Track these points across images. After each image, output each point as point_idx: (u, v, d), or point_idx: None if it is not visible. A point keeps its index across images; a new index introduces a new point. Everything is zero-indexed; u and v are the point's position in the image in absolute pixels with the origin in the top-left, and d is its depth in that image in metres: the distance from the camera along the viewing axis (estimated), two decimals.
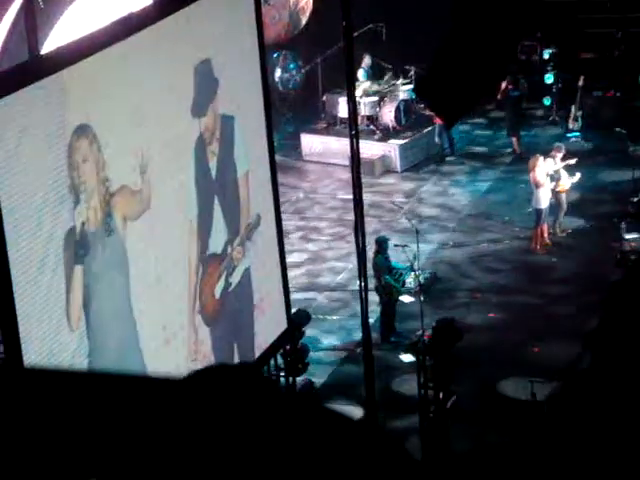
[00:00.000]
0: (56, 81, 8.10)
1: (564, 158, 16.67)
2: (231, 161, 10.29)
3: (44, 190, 7.94)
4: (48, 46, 11.89)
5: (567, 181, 16.54)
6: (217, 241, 10.19)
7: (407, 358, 13.17)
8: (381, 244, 14.48)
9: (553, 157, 16.51)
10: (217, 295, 10.27)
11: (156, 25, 9.09)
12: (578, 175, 16.57)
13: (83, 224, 8.35)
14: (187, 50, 9.59)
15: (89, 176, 8.41)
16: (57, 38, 12.64)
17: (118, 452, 1.62)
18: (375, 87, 20.32)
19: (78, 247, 8.30)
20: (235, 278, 10.53)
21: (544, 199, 16.24)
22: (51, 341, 8.10)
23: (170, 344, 9.58)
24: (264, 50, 11.04)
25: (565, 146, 17.51)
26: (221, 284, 10.30)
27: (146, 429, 1.63)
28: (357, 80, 19.95)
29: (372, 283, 13.12)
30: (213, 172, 10.06)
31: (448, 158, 19.86)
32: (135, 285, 9.02)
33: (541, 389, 11.94)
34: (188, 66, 9.63)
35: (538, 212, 16.30)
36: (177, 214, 9.61)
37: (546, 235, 16.43)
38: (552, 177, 16.37)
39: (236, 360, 10.66)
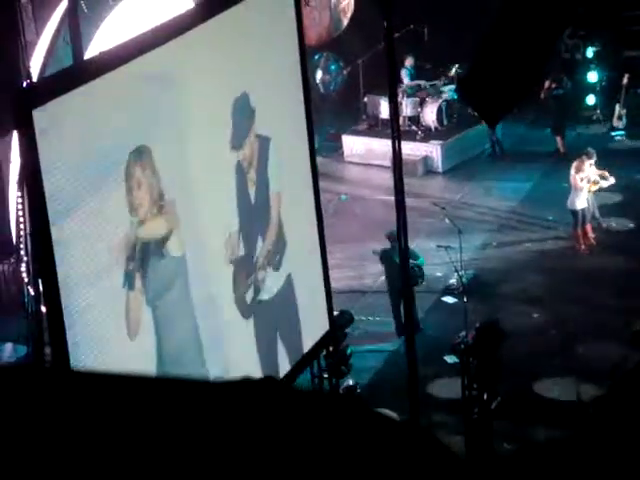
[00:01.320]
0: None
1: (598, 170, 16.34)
2: (265, 182, 10.39)
3: (105, 203, 8.18)
4: (91, 51, 11.99)
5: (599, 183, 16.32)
6: (257, 257, 10.30)
7: (451, 359, 13.13)
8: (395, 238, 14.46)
9: (583, 162, 16.24)
10: (248, 302, 10.33)
11: (199, 52, 9.16)
12: (612, 180, 16.35)
13: (143, 240, 8.60)
14: (226, 82, 9.64)
15: (144, 197, 8.61)
16: (100, 43, 12.75)
17: (144, 458, 1.63)
18: (417, 87, 20.28)
19: (139, 260, 8.57)
20: (274, 290, 10.59)
21: (580, 201, 16.08)
22: (110, 346, 8.33)
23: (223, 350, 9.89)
24: (305, 55, 11.04)
25: (610, 145, 17.36)
26: (259, 294, 10.38)
27: (165, 436, 1.64)
28: (400, 81, 19.94)
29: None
30: (252, 198, 10.17)
31: (494, 157, 19.75)
32: (193, 298, 9.34)
33: (586, 390, 11.84)
34: (227, 99, 9.69)
35: (574, 213, 16.16)
36: (218, 230, 9.78)
37: (591, 235, 16.28)
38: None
39: (281, 361, 10.73)
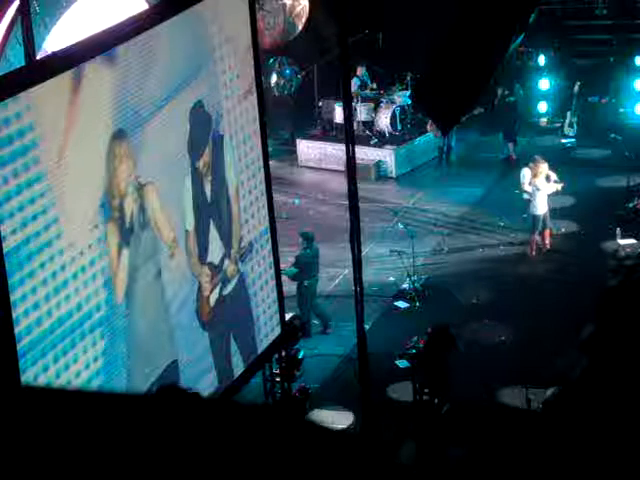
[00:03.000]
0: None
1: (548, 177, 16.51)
2: (223, 181, 10.47)
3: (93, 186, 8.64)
4: (45, 51, 11.88)
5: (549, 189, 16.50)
6: (214, 254, 10.40)
7: (402, 364, 13.18)
8: (308, 239, 14.56)
9: (538, 166, 16.43)
10: (212, 303, 10.42)
11: (151, 57, 9.19)
12: (560, 186, 16.51)
13: (129, 215, 9.18)
14: (182, 88, 9.68)
15: (124, 176, 9.12)
16: (54, 42, 12.64)
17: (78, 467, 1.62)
18: (370, 93, 20.34)
19: (127, 232, 9.15)
20: (229, 289, 10.66)
21: (541, 205, 16.27)
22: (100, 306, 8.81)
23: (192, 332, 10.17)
24: (259, 59, 11.04)
25: (560, 152, 17.53)
26: (215, 294, 10.45)
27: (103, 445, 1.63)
28: (359, 89, 20.02)
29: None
30: (208, 195, 10.25)
31: (446, 163, 19.88)
32: (163, 273, 9.75)
33: (536, 396, 11.94)
34: (184, 108, 9.75)
35: (535, 218, 16.33)
36: (178, 224, 9.97)
37: (546, 241, 16.45)
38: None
39: (234, 362, 10.77)
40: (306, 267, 14.33)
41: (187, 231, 10.06)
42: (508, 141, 19.90)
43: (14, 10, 12.03)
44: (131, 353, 9.26)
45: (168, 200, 9.78)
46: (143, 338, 9.45)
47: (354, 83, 20.37)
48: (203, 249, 10.27)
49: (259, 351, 11.24)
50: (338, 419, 12.15)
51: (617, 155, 19.39)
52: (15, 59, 11.80)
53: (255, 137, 11.00)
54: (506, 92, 19.88)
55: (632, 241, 15.84)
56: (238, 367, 10.87)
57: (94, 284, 8.79)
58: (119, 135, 8.97)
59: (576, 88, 20.54)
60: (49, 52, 9.58)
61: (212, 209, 10.37)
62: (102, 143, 8.82)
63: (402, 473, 1.69)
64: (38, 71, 8.33)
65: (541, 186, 16.22)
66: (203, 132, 10.09)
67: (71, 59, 8.41)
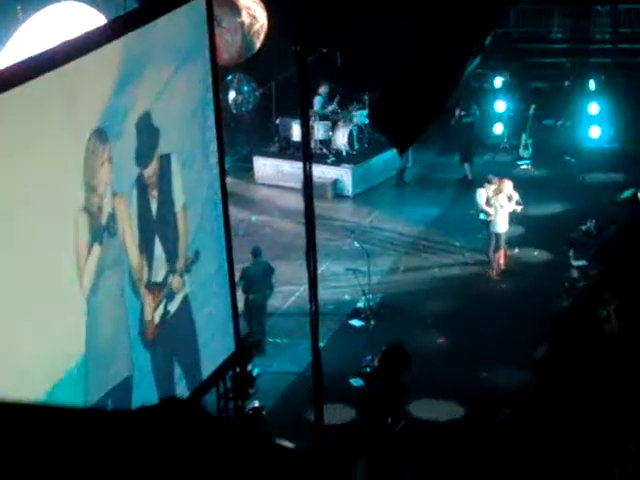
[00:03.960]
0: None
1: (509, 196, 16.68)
2: (169, 198, 10.49)
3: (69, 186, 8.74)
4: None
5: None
6: (158, 271, 10.36)
7: (356, 382, 13.19)
8: (254, 254, 14.64)
9: (502, 183, 16.64)
10: (156, 321, 10.35)
11: (103, 69, 9.20)
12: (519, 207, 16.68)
13: (106, 215, 9.27)
14: (128, 105, 9.64)
15: (103, 178, 9.21)
16: (7, 58, 12.55)
17: None
18: (328, 111, 20.41)
19: (100, 230, 9.24)
20: (174, 306, 10.63)
21: (502, 223, 16.42)
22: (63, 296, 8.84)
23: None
24: (217, 74, 11.04)
25: (516, 173, 17.68)
26: (160, 311, 10.39)
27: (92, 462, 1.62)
28: (312, 107, 20.05)
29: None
30: (154, 212, 10.23)
31: (401, 183, 19.98)
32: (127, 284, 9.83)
33: (488, 414, 11.99)
34: (131, 117, 9.73)
35: (497, 236, 16.46)
36: (126, 243, 9.97)
37: (502, 261, 16.58)
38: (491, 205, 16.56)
39: (177, 381, 10.70)
40: (250, 280, 14.34)
41: (127, 248, 10.04)
42: (464, 162, 20.05)
43: None
44: (89, 357, 9.18)
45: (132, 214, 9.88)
46: (101, 340, 9.39)
47: (317, 101, 20.44)
48: (148, 267, 10.22)
49: (206, 371, 11.16)
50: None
51: (571, 177, 19.61)
52: None
53: (212, 155, 10.97)
54: (463, 113, 20.04)
55: (584, 263, 16.00)
56: (181, 390, 10.76)
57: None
58: (101, 136, 9.05)
59: (531, 110, 20.76)
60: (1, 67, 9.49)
61: (157, 226, 10.33)
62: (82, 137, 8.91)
63: None
64: None
65: (503, 204, 16.37)
66: (149, 146, 10.05)
67: (23, 74, 8.35)
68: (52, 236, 8.64)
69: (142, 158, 9.92)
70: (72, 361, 8.99)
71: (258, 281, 14.54)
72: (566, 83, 21.80)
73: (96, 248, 9.21)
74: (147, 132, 9.90)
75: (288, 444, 10.99)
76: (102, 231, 9.28)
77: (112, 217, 9.44)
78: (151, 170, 10.11)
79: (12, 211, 8.21)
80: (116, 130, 9.37)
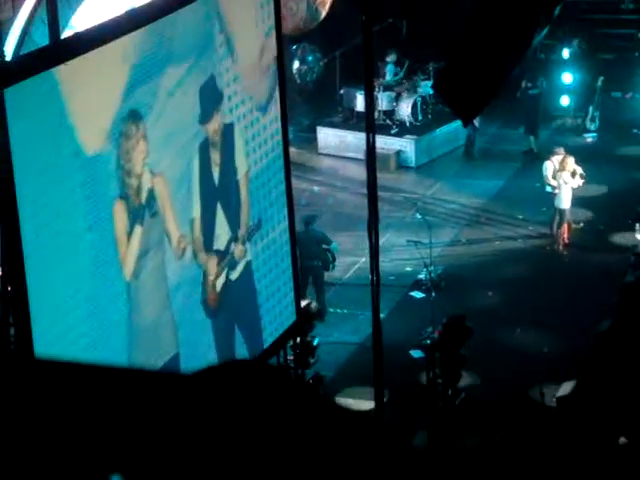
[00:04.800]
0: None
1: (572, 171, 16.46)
2: (232, 167, 10.45)
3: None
4: (68, 32, 11.90)
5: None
6: (220, 238, 10.36)
7: (417, 354, 13.18)
8: (306, 222, 14.72)
9: (565, 159, 16.42)
10: (218, 288, 10.39)
11: (174, 33, 9.18)
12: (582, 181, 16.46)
13: (146, 195, 9.21)
14: (197, 63, 9.65)
15: (143, 156, 9.16)
16: (77, 24, 12.66)
17: (131, 447, 1.63)
18: (398, 78, 20.32)
19: (141, 211, 9.19)
20: (236, 274, 10.65)
21: (566, 199, 16.25)
22: (105, 281, 8.79)
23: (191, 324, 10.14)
24: (281, 43, 11.02)
25: (582, 146, 17.46)
26: (222, 279, 10.42)
27: (159, 424, 1.64)
28: (381, 76, 19.99)
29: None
30: (216, 180, 10.23)
31: (468, 156, 19.82)
32: (168, 264, 9.74)
33: (550, 390, 11.93)
34: (194, 83, 9.71)
35: (561, 212, 16.30)
36: (185, 212, 9.91)
37: (566, 235, 16.42)
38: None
39: (237, 350, 10.77)
40: (301, 248, 14.37)
41: (193, 218, 10.03)
42: (529, 134, 19.83)
43: None
44: (132, 340, 9.20)
45: (177, 192, 9.75)
46: (146, 326, 9.39)
47: (388, 70, 20.35)
48: (209, 235, 10.24)
49: (267, 340, 11.21)
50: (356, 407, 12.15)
51: (639, 151, 19.30)
52: (40, 39, 11.82)
53: (275, 123, 10.98)
54: (529, 84, 19.79)
55: None
56: (243, 357, 10.84)
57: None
58: (133, 116, 8.95)
59: (599, 82, 20.43)
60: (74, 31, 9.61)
61: (219, 194, 10.33)
62: (113, 123, 8.79)
63: (416, 456, 1.70)
64: (63, 50, 8.37)
65: (567, 180, 16.20)
66: (212, 108, 10.02)
67: (95, 39, 8.43)
68: (92, 225, 8.63)
69: (203, 116, 9.90)
70: (116, 346, 9.01)
71: (310, 249, 14.57)
72: (636, 54, 21.41)
73: (137, 230, 9.16)
74: (211, 94, 9.91)
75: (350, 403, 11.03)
76: (142, 211, 9.21)
77: (152, 197, 9.38)
78: (212, 129, 10.07)
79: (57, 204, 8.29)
80: (155, 108, 9.27)
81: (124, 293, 9.09)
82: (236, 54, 10.26)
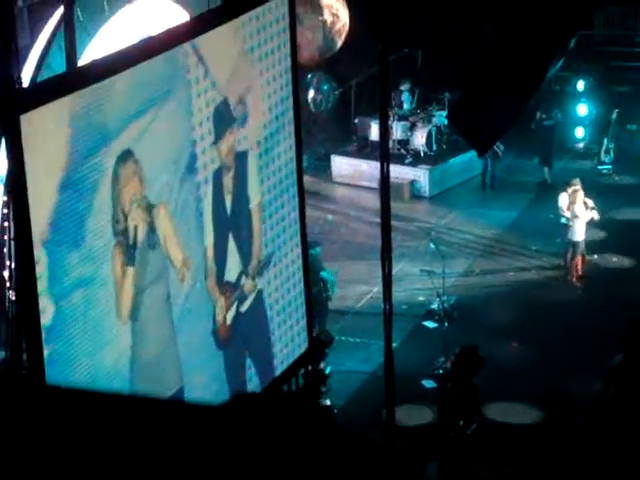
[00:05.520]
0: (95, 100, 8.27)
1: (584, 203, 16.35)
2: (244, 196, 10.39)
3: (97, 204, 8.45)
4: (85, 59, 11.99)
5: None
6: (230, 270, 10.29)
7: (429, 384, 13.13)
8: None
9: (577, 191, 16.34)
10: (228, 322, 10.33)
11: (181, 54, 9.17)
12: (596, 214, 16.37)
13: (134, 234, 8.94)
14: (210, 89, 9.65)
15: (133, 193, 8.93)
16: (94, 52, 12.75)
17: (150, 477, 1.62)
18: (410, 108, 20.37)
19: (131, 251, 8.91)
20: (246, 305, 10.60)
21: (581, 231, 16.15)
22: (103, 327, 8.65)
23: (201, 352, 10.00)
24: (297, 73, 11.06)
25: (596, 178, 17.41)
26: (232, 312, 10.37)
27: (172, 456, 1.64)
28: (399, 105, 20.05)
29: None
30: (228, 208, 10.15)
31: (488, 187, 19.79)
32: (173, 296, 9.56)
33: (562, 419, 11.85)
34: (210, 104, 9.70)
35: (574, 244, 16.20)
36: (193, 241, 9.82)
37: (579, 267, 16.33)
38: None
39: (248, 378, 10.70)
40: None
41: (205, 247, 9.92)
42: (544, 165, 19.83)
43: (58, 17, 12.16)
44: (135, 377, 9.09)
45: (182, 220, 9.59)
46: (149, 362, 9.27)
47: (404, 98, 20.39)
48: (221, 266, 10.15)
49: (278, 368, 11.16)
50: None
51: None
52: (57, 65, 11.90)
53: (289, 152, 11.00)
54: (544, 116, 19.82)
55: None
56: (254, 387, 10.76)
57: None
58: (124, 156, 8.77)
59: (614, 115, 20.44)
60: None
61: (232, 224, 10.27)
62: (107, 167, 8.65)
63: None
64: (79, 78, 8.42)
65: (580, 213, 16.09)
66: (224, 129, 9.95)
67: (110, 68, 8.48)
68: (93, 265, 8.56)
69: (215, 138, 9.87)
70: (119, 383, 8.88)
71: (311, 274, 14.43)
72: None
73: (129, 270, 8.94)
74: (223, 117, 9.91)
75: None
76: (133, 251, 8.98)
77: (152, 229, 9.19)
78: (225, 152, 10.02)
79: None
80: (147, 144, 9.05)
81: (123, 334, 8.94)
82: (256, 81, 10.29)
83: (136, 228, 8.97)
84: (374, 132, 19.53)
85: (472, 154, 18.90)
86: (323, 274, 14.56)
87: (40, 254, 7.86)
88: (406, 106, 20.36)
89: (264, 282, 10.84)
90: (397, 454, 1.78)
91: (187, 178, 9.60)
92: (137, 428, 1.67)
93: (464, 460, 11.45)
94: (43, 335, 7.93)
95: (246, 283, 10.57)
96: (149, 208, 9.14)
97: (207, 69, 9.60)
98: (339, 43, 20.05)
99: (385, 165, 10.29)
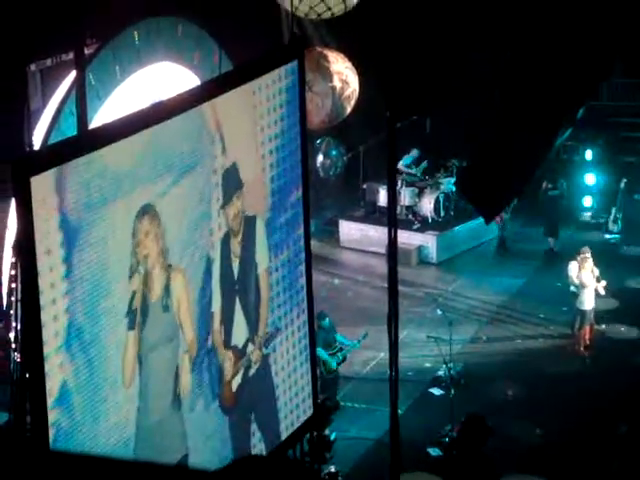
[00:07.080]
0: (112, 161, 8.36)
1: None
2: (252, 261, 10.36)
3: (115, 259, 8.40)
4: (96, 123, 12.11)
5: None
6: (238, 336, 10.25)
7: (435, 452, 13.01)
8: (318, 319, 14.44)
9: (585, 259, 16.28)
10: (234, 387, 10.26)
11: (189, 120, 9.21)
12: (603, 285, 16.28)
13: (144, 294, 8.82)
14: (220, 154, 9.70)
15: (151, 249, 8.86)
16: (105, 116, 12.89)
17: None
18: (413, 173, 20.45)
19: (137, 314, 8.77)
20: (253, 371, 10.53)
21: (589, 300, 16.04)
22: (106, 391, 8.51)
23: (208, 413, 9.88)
24: (306, 138, 11.13)
25: (604, 248, 17.39)
26: (238, 378, 10.30)
27: None
28: (405, 167, 20.13)
29: None
30: (235, 273, 10.13)
31: (501, 254, 19.78)
32: (181, 360, 9.46)
33: None
34: (218, 170, 9.74)
35: (582, 313, 16.07)
36: (202, 307, 9.75)
37: (587, 337, 16.21)
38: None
39: (253, 444, 10.61)
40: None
41: (212, 312, 9.85)
42: (549, 236, 19.78)
43: (70, 81, 12.30)
44: (138, 444, 8.95)
45: (194, 284, 9.51)
46: (152, 428, 9.13)
47: (408, 159, 20.47)
48: (228, 331, 10.08)
49: (283, 433, 11.06)
50: None
51: None
52: (67, 129, 12.03)
53: (298, 217, 11.03)
54: (550, 186, 19.87)
55: None
56: (259, 453, 10.66)
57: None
58: (144, 211, 8.76)
59: (622, 184, 20.49)
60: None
61: (239, 289, 10.24)
62: (127, 221, 8.63)
63: None
64: (90, 141, 8.48)
65: (588, 282, 15.99)
66: (233, 193, 9.95)
67: (120, 131, 8.55)
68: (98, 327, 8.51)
69: (223, 202, 9.90)
70: (121, 452, 8.73)
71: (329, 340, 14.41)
72: None
73: (130, 335, 8.76)
74: (231, 182, 9.95)
75: None
76: (132, 316, 8.77)
77: (167, 291, 9.07)
78: (233, 216, 10.07)
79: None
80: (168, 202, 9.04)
81: (127, 399, 8.83)
82: (265, 145, 10.35)
83: (147, 288, 8.89)
84: (382, 197, 19.61)
85: (480, 221, 18.94)
86: (339, 338, 14.56)
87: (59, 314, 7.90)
88: (405, 167, 20.42)
89: (270, 348, 10.79)
90: None
91: (200, 242, 9.59)
92: None
93: None
94: (48, 398, 7.89)
95: (253, 352, 10.51)
96: (166, 269, 9.09)
97: (222, 134, 9.68)
98: (348, 109, 20.21)
99: (393, 231, 10.31)
